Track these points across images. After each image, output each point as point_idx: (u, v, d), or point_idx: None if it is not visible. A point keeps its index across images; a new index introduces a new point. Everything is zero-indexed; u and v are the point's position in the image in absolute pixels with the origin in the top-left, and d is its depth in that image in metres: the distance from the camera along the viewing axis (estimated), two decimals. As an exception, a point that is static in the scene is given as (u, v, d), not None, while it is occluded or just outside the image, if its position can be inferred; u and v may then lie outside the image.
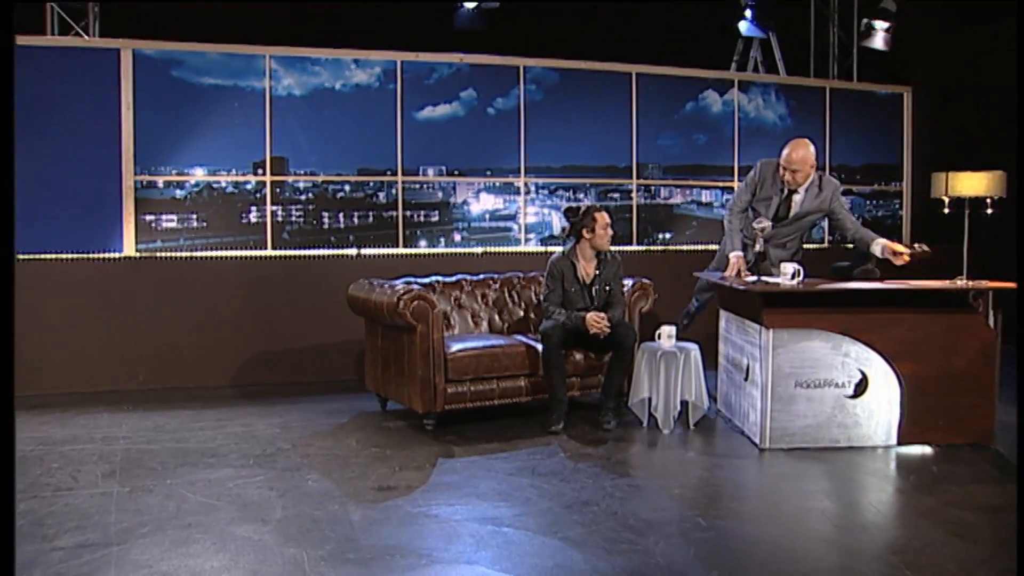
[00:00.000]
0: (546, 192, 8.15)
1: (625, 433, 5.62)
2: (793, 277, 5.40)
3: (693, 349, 5.74)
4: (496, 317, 6.36)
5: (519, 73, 8.06)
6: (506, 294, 6.45)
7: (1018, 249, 7.86)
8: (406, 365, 5.51)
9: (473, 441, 5.34)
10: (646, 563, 3.56)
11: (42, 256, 6.94)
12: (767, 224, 5.71)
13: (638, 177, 8.38)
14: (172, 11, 7.76)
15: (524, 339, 5.87)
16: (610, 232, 5.83)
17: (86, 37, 7.67)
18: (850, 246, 6.37)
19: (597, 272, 5.81)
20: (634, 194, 8.37)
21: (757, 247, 5.74)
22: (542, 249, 8.02)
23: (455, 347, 5.52)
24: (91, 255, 7.05)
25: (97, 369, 6.95)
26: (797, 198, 5.90)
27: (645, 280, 6.24)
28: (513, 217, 8.07)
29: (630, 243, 8.33)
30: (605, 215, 5.82)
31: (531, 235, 8.11)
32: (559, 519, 4.05)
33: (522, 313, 6.45)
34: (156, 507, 4.17)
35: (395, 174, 7.71)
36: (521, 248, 8.05)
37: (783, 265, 5.56)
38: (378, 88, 7.69)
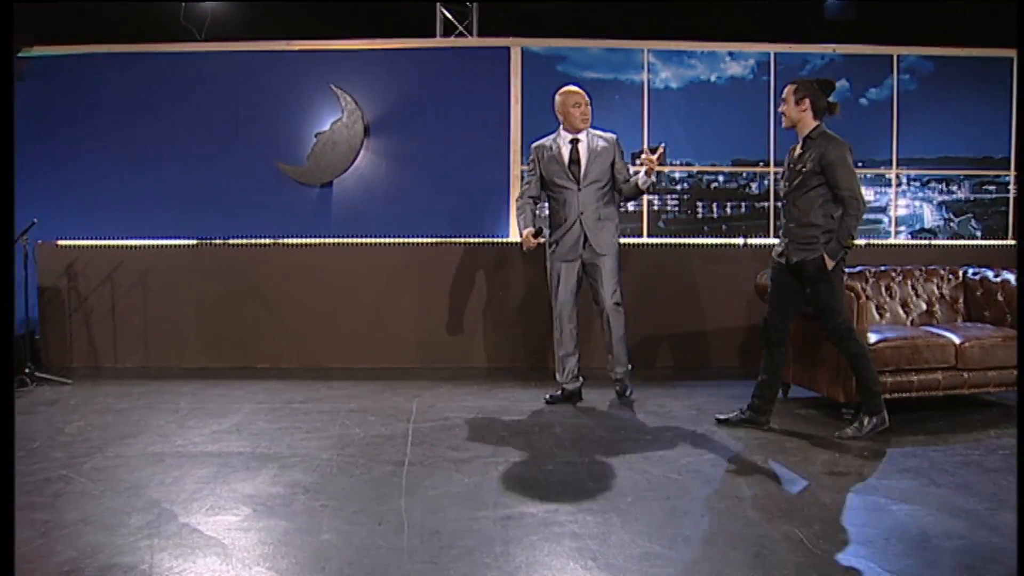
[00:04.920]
0: (918, 184, 7.94)
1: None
2: None
3: None
4: (900, 309, 6.27)
5: (893, 62, 7.88)
6: (908, 286, 6.34)
7: (1018, 247, 6.97)
8: (825, 355, 5.54)
9: (897, 432, 5.28)
10: None
11: (437, 240, 7.50)
12: None
13: (1016, 169, 7.98)
14: (545, 9, 8.15)
15: (938, 331, 5.76)
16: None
17: (470, 37, 8.18)
18: None
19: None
20: (1012, 186, 7.98)
21: None
22: (912, 242, 7.83)
23: (874, 338, 5.50)
24: (481, 240, 7.53)
25: (486, 346, 7.43)
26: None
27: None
28: (884, 209, 7.91)
29: (1005, 237, 7.97)
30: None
31: (901, 228, 7.93)
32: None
33: (924, 306, 6.32)
34: (627, 480, 4.41)
35: (767, 165, 7.74)
36: (891, 241, 7.88)
37: None
38: (752, 80, 7.75)
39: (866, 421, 5.16)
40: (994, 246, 7.81)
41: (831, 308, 5.10)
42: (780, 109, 5.26)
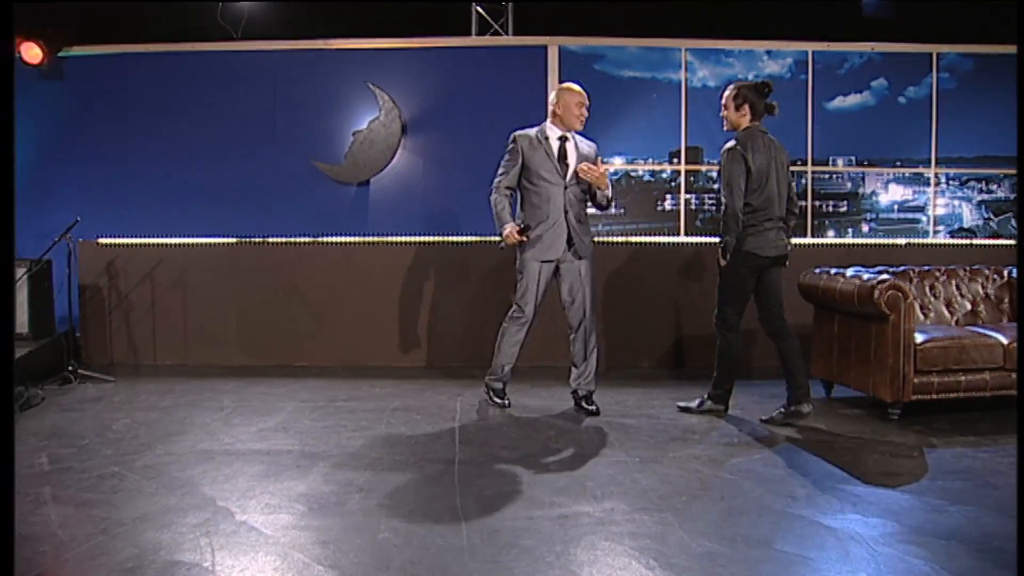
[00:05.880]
0: (957, 183, 7.89)
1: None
2: None
3: None
4: (944, 309, 6.24)
5: (932, 60, 7.84)
6: (953, 286, 6.31)
7: (1018, 247, 6.89)
8: (872, 354, 5.52)
9: (946, 433, 5.26)
10: None
11: (474, 238, 7.51)
12: None
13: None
14: (580, 8, 8.13)
15: (985, 331, 5.72)
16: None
17: (504, 35, 8.18)
18: None
19: None
20: (1052, 186, 7.93)
21: None
22: (953, 241, 7.79)
23: (920, 338, 5.47)
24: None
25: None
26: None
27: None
28: (922, 208, 7.87)
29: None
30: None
31: (940, 227, 7.89)
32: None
33: (969, 306, 6.29)
34: (680, 479, 4.40)
35: (805, 164, 7.73)
36: (930, 240, 7.84)
37: None
38: (790, 79, 7.73)
39: (706, 401, 5.68)
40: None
41: (718, 299, 5.48)
42: (722, 114, 5.41)
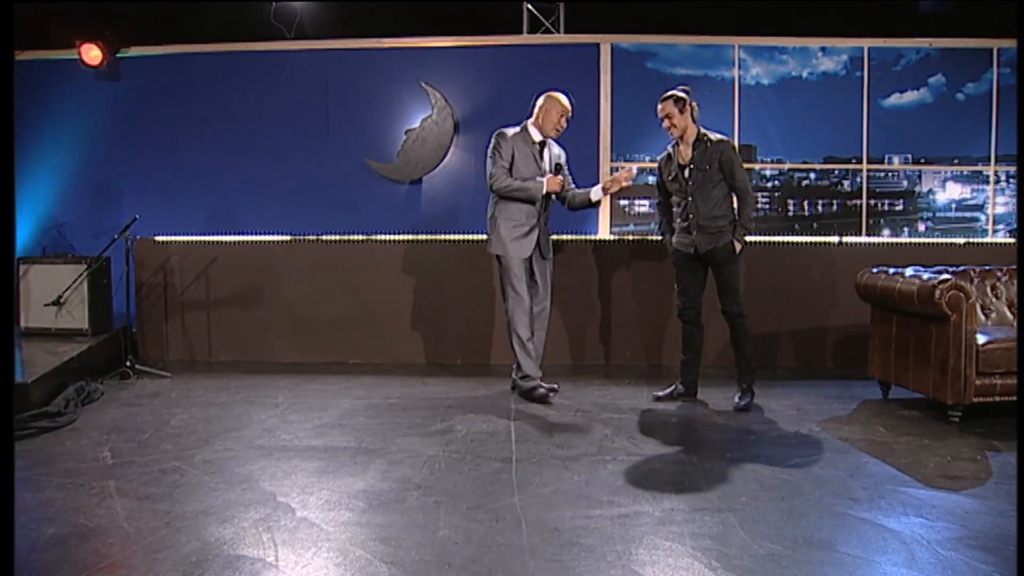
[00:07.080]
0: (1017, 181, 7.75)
1: None
2: None
3: None
4: (1006, 310, 6.12)
5: (992, 56, 7.71)
6: (1015, 286, 6.18)
7: (1018, 244, 6.67)
8: (932, 355, 5.44)
9: (1008, 436, 5.16)
10: None
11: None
12: None
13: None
14: (630, 6, 8.09)
15: (1049, 333, 5.61)
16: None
17: (555, 34, 8.16)
18: None
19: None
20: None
21: None
22: (1011, 241, 7.65)
23: (983, 339, 5.38)
24: (569, 236, 7.49)
25: (580, 343, 7.40)
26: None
27: None
28: (981, 207, 7.74)
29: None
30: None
31: (999, 226, 7.75)
32: None
33: (1030, 306, 6.16)
34: (739, 480, 4.36)
35: (860, 162, 7.63)
36: (989, 239, 7.71)
37: None
38: (844, 76, 7.65)
39: (749, 392, 5.83)
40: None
41: (735, 288, 5.68)
42: (668, 123, 5.61)
